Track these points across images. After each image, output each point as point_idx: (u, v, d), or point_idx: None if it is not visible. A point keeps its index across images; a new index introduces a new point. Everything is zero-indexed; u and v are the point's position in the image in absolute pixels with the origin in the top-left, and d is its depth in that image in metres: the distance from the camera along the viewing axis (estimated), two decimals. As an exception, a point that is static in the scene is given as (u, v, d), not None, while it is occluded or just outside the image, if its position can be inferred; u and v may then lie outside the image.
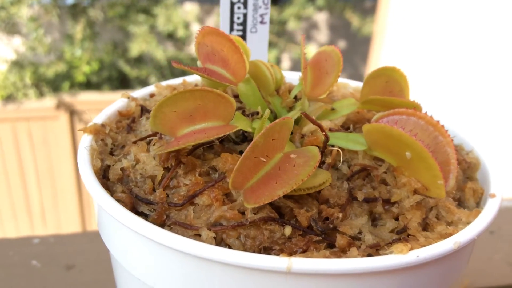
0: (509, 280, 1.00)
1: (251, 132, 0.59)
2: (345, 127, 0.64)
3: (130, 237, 0.53)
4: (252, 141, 0.48)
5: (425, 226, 0.55)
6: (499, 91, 2.85)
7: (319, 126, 0.52)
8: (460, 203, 0.60)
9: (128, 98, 0.70)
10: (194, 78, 0.78)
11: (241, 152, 0.58)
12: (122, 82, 5.24)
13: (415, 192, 0.55)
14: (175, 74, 5.14)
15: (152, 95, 0.73)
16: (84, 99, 4.53)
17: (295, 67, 5.56)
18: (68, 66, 4.46)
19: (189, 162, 0.56)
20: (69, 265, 1.17)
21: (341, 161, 0.56)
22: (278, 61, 5.26)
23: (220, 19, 0.75)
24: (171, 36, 5.23)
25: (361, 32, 5.19)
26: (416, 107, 0.61)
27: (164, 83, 0.76)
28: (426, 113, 0.56)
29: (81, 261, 1.19)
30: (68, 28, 4.61)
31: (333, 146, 0.59)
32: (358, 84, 0.80)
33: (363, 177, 0.57)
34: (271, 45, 5.16)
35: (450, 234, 0.52)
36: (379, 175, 0.56)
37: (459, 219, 0.55)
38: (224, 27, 0.75)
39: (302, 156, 0.51)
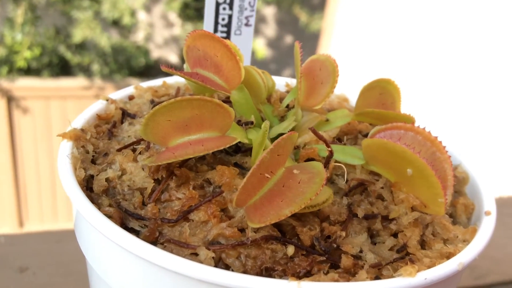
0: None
1: (245, 143, 0.56)
2: (337, 139, 0.62)
3: (117, 253, 0.49)
4: (260, 157, 0.45)
5: (422, 243, 0.54)
6: (448, 88, 2.93)
7: (325, 142, 0.51)
8: (452, 218, 0.60)
9: (107, 100, 0.66)
10: (174, 80, 0.74)
11: (236, 164, 0.56)
12: (63, 69, 5.07)
13: (413, 208, 0.54)
14: (119, 62, 5.01)
15: (131, 97, 0.69)
16: (23, 85, 4.35)
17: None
18: (8, 51, 4.26)
19: (183, 174, 0.52)
20: (22, 267, 1.11)
21: (344, 177, 0.54)
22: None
23: (204, 19, 0.71)
24: (116, 23, 5.09)
25: (309, 28, 5.22)
26: (410, 120, 0.60)
27: (145, 84, 0.72)
28: (424, 128, 0.55)
29: (35, 263, 1.12)
30: (8, 12, 4.40)
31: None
32: (341, 92, 0.78)
33: (360, 192, 0.56)
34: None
35: (451, 253, 0.51)
36: (376, 190, 0.55)
37: (455, 236, 0.55)
38: (208, 28, 0.72)
39: (306, 171, 0.49)
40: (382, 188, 0.55)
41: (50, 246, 1.18)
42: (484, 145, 2.70)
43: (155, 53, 5.39)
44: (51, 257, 1.15)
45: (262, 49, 5.16)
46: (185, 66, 0.62)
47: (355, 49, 3.98)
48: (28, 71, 4.74)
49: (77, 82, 4.59)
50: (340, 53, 4.11)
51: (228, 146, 0.51)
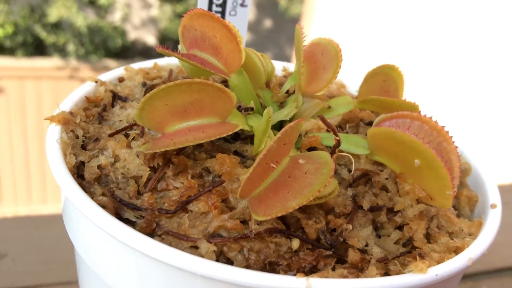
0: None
1: (244, 130, 0.53)
2: (338, 126, 0.60)
3: (109, 244, 0.46)
4: (268, 147, 0.43)
5: (427, 236, 0.52)
6: (437, 73, 2.92)
7: (334, 131, 0.48)
8: (455, 210, 0.58)
9: (96, 82, 0.62)
10: (165, 62, 0.71)
11: (235, 152, 0.53)
12: (38, 48, 4.96)
13: (418, 200, 0.52)
14: (95, 42, 4.92)
15: (121, 79, 0.65)
16: (-4, 64, 4.25)
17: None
18: (-20, 29, 4.15)
19: (180, 163, 0.50)
20: (0, 253, 1.07)
21: (350, 167, 0.52)
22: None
23: (198, -2, 0.68)
24: (92, 3, 4.99)
25: (289, 12, 5.19)
26: (415, 108, 0.58)
27: (135, 65, 0.68)
28: (431, 117, 0.53)
29: (14, 249, 1.08)
30: (-20, -12, 4.28)
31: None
32: (338, 78, 0.76)
33: (363, 183, 0.53)
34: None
35: (458, 248, 0.50)
36: (380, 181, 0.53)
37: (460, 229, 0.53)
38: (202, 7, 0.69)
39: (312, 162, 0.47)
40: (386, 179, 0.53)
41: (29, 232, 1.14)
42: (481, 132, 2.71)
43: (132, 34, 5.30)
44: (31, 243, 1.11)
45: (242, 36, 5.11)
46: (179, 47, 0.59)
47: (336, 34, 3.95)
48: (2, 50, 4.63)
49: (52, 62, 4.50)
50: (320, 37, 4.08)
51: (230, 133, 0.48)
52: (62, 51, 4.90)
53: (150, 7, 5.27)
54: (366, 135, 0.59)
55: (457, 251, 0.49)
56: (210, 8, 0.69)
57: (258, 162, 0.42)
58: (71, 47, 4.85)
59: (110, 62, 4.69)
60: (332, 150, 0.49)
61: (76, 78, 4.46)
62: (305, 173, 0.45)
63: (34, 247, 1.10)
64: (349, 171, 0.54)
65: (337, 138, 0.48)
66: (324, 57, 0.59)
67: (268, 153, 0.43)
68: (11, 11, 4.44)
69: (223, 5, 0.69)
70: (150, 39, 5.36)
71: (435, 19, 2.93)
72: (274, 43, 5.39)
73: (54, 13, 4.67)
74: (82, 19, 4.82)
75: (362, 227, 0.50)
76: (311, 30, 4.30)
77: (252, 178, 0.43)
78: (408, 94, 0.64)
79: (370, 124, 0.61)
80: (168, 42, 5.24)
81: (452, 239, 0.52)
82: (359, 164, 0.53)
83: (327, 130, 0.56)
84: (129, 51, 5.29)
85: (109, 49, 5.00)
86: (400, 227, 0.52)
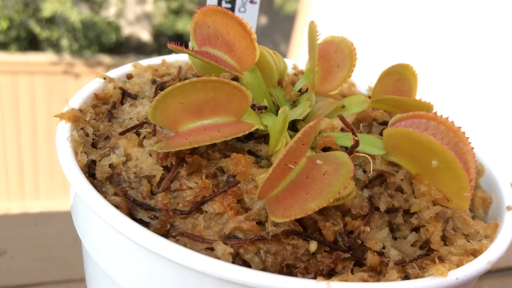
0: None
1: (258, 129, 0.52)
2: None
3: (120, 243, 0.45)
4: (287, 147, 0.42)
5: (443, 238, 0.52)
6: (433, 69, 2.92)
7: (353, 131, 0.47)
8: (469, 211, 0.57)
9: (105, 78, 0.61)
10: (173, 59, 0.69)
11: (249, 152, 0.52)
12: (32, 43, 4.92)
13: (434, 202, 0.51)
14: (88, 37, 4.89)
15: (129, 76, 0.64)
16: (-11, 58, 4.22)
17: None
18: (-26, 24, 4.12)
19: (195, 162, 0.49)
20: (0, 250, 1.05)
21: (366, 168, 0.51)
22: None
23: (207, -6, 0.67)
24: (87, -2, 4.96)
25: (284, 9, 5.17)
26: (429, 108, 0.57)
27: (144, 62, 0.67)
28: (447, 118, 0.52)
29: (13, 246, 1.07)
30: (-26, -18, 4.24)
31: (347, 148, 0.54)
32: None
33: (379, 184, 0.53)
34: (192, 15, 5.03)
35: (476, 250, 0.49)
36: (396, 182, 0.52)
37: (476, 232, 0.53)
38: (211, 4, 0.67)
39: (330, 162, 0.46)
40: (401, 180, 0.53)
41: (28, 229, 1.13)
42: (492, 130, 2.70)
43: (126, 30, 5.27)
44: (30, 241, 1.10)
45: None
46: (190, 43, 0.58)
47: (331, 32, 3.95)
48: (-6, 45, 4.59)
49: (45, 57, 4.46)
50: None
51: (246, 133, 0.47)
52: (55, 46, 4.87)
53: (144, 2, 5.24)
54: (380, 134, 0.59)
55: (475, 254, 0.48)
56: (219, 4, 0.68)
57: (278, 163, 0.41)
58: (64, 42, 4.82)
59: (104, 57, 4.66)
60: (350, 150, 0.48)
61: (70, 73, 4.43)
62: (324, 174, 0.44)
63: (33, 244, 1.09)
64: (364, 171, 0.53)
65: (356, 138, 0.47)
66: (337, 56, 0.58)
67: (287, 154, 0.42)
68: (5, 5, 4.40)
69: (232, 1, 0.68)
70: (144, 34, 5.33)
71: (436, 15, 2.93)
72: (269, 40, 5.38)
73: (48, 8, 4.64)
74: (76, 14, 4.79)
75: (378, 229, 0.49)
76: (307, 28, 4.29)
77: (270, 179, 0.42)
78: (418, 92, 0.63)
79: (383, 123, 0.60)
80: (163, 38, 5.21)
81: (469, 241, 0.51)
82: (375, 164, 0.52)
83: (342, 130, 0.55)
84: (123, 47, 5.26)
85: (103, 45, 4.97)
86: (416, 229, 0.51)
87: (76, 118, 0.53)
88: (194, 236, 0.44)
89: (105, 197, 0.47)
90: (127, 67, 0.65)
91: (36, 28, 4.75)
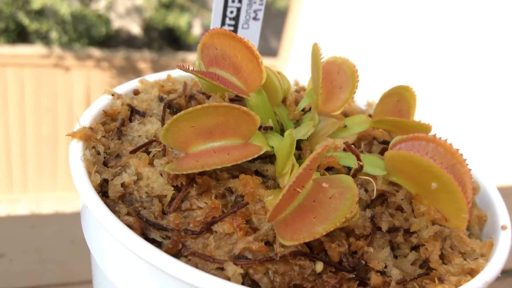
0: None
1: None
2: (352, 145, 0.61)
3: (135, 264, 0.47)
4: (297, 174, 0.44)
5: (441, 256, 0.54)
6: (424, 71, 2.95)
7: (357, 156, 0.49)
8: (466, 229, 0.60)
9: (113, 95, 0.63)
10: (178, 74, 0.71)
11: (256, 172, 0.54)
12: (21, 35, 4.89)
13: (433, 222, 0.54)
14: (78, 30, 4.87)
15: (136, 92, 0.65)
16: (-23, 51, 4.19)
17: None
18: (-38, 15, 4.08)
19: (204, 183, 0.50)
20: (-2, 253, 1.06)
21: (367, 188, 0.53)
22: (189, 27, 5.13)
23: (212, 12, 0.69)
24: (77, -10, 4.93)
25: (275, 5, 5.18)
26: (428, 129, 0.59)
27: (150, 78, 0.68)
28: (445, 140, 0.55)
29: (11, 249, 1.08)
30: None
31: (349, 168, 0.56)
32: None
33: (380, 203, 0.55)
34: (183, 9, 5.02)
35: (473, 270, 0.51)
36: (396, 202, 0.54)
37: (472, 250, 0.55)
38: (216, 21, 0.69)
39: (335, 185, 0.48)
40: (402, 199, 0.55)
41: (26, 231, 1.14)
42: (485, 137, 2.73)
43: (117, 23, 5.25)
44: (28, 243, 1.11)
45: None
46: (196, 63, 0.59)
47: (323, 29, 3.97)
48: (-18, 37, 4.56)
49: (35, 49, 4.43)
50: (307, 32, 4.09)
51: (255, 157, 0.49)
52: (45, 39, 4.84)
53: (135, -4, 5.23)
54: (380, 153, 0.61)
55: (472, 273, 0.51)
56: (223, 21, 0.69)
57: (288, 189, 0.43)
58: (54, 35, 4.80)
59: (93, 50, 4.64)
60: (354, 173, 0.50)
61: (59, 66, 4.41)
62: (330, 198, 0.46)
63: (31, 246, 1.10)
64: (366, 190, 0.55)
65: (361, 163, 0.49)
66: (340, 76, 0.60)
67: (297, 180, 0.44)
68: (-6, -3, 4.37)
69: (236, 18, 0.70)
70: (134, 28, 5.32)
71: (427, 16, 2.96)
72: (260, 36, 5.39)
73: (37, 0, 4.60)
74: (66, 6, 4.76)
75: (380, 248, 0.51)
76: (298, 24, 4.31)
77: (280, 204, 0.44)
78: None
79: (384, 143, 0.62)
80: (153, 32, 5.20)
81: (465, 259, 0.53)
82: (376, 184, 0.55)
83: (344, 150, 0.57)
84: (112, 40, 5.24)
85: (93, 38, 4.95)
86: (415, 247, 0.53)
87: (88, 136, 0.54)
88: (205, 256, 0.46)
89: (119, 217, 0.48)
90: (134, 83, 0.67)
91: (25, 20, 4.71)
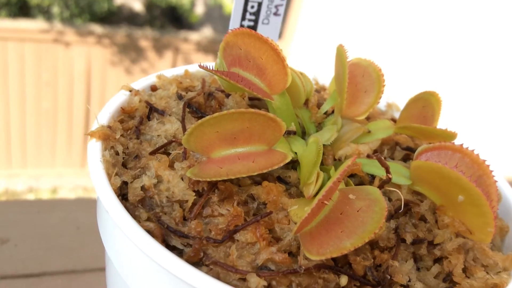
0: None
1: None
2: (376, 151, 0.60)
3: (155, 271, 0.46)
4: (327, 188, 0.42)
5: (463, 269, 0.53)
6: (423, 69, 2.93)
7: (387, 169, 0.48)
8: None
9: (130, 91, 0.61)
10: (195, 69, 0.69)
11: (279, 178, 0.53)
12: (22, 9, 4.83)
13: (457, 234, 0.53)
14: (80, 5, 4.81)
15: (154, 88, 0.64)
16: (-22, 24, 4.15)
17: (209, 14, 5.40)
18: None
19: (227, 189, 0.49)
20: (2, 238, 1.05)
21: (402, 199, 0.52)
22: (192, 5, 5.08)
23: (232, 6, 0.67)
24: (79, -36, 4.87)
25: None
26: (453, 137, 0.58)
27: (168, 73, 0.67)
28: (473, 150, 0.54)
29: (16, 234, 1.07)
30: None
31: (373, 176, 0.55)
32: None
33: (403, 213, 0.54)
34: (184, -14, 4.96)
35: (496, 284, 0.50)
36: (420, 212, 0.53)
37: (495, 263, 0.54)
38: (236, 15, 0.67)
39: (362, 197, 0.46)
40: (426, 210, 0.54)
41: (31, 217, 1.13)
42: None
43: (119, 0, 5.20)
44: (33, 228, 1.10)
45: (230, 4, 5.04)
46: (218, 61, 0.58)
47: (329, 11, 3.91)
48: (-17, 10, 4.51)
49: (36, 24, 4.39)
50: (312, 13, 4.04)
51: (281, 165, 0.47)
52: (46, 13, 4.79)
53: (138, -28, 5.16)
54: (403, 159, 0.60)
55: (495, 288, 0.50)
56: (244, 16, 0.68)
57: (318, 203, 0.42)
58: (55, 9, 4.74)
59: (95, 27, 4.60)
60: (381, 185, 0.49)
61: (60, 41, 4.37)
62: (357, 211, 0.45)
63: (36, 232, 1.09)
64: (389, 199, 0.54)
65: (390, 176, 0.48)
66: (365, 80, 0.59)
67: (327, 195, 0.42)
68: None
69: (256, 13, 0.68)
70: (136, 5, 5.26)
71: (426, 15, 2.93)
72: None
73: (40, -26, 4.55)
74: (68, -19, 4.70)
75: (404, 261, 0.50)
76: (303, 5, 4.25)
77: (308, 218, 0.43)
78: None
79: (407, 149, 0.61)
80: (156, 9, 5.14)
81: (488, 273, 0.52)
82: (401, 194, 0.53)
83: (368, 156, 0.56)
84: (114, 17, 5.19)
85: (95, 13, 4.90)
86: (438, 259, 0.52)
87: (107, 136, 0.53)
88: (228, 266, 0.45)
89: (139, 222, 0.47)
90: (151, 78, 0.65)
91: (27, -6, 4.66)
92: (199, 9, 5.32)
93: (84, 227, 1.14)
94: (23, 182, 4.45)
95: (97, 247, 1.08)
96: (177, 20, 5.22)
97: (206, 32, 5.00)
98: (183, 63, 4.68)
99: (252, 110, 0.47)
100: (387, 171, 0.48)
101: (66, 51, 4.36)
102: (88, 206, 1.23)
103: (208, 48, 4.67)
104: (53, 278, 1.01)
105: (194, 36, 4.63)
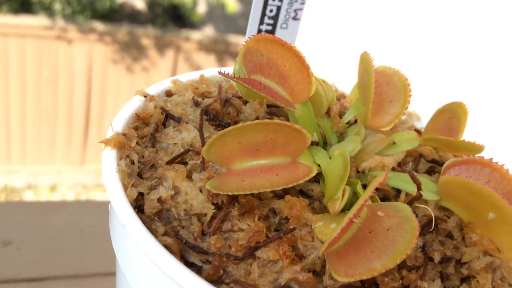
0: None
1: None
2: (399, 164, 0.58)
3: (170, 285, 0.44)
4: (358, 207, 0.40)
5: (491, 288, 0.51)
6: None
7: (418, 185, 0.46)
8: None
9: (145, 96, 0.59)
10: (211, 73, 0.67)
11: (301, 191, 0.50)
12: (23, 5, 4.81)
13: (485, 252, 0.51)
14: (82, 2, 4.79)
15: (169, 93, 0.61)
16: (-20, 20, 4.12)
17: (211, 13, 5.38)
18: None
19: (248, 203, 0.47)
20: (5, 240, 1.03)
21: (432, 216, 0.50)
22: (194, 4, 5.06)
23: (251, 10, 0.64)
24: (82, -39, 4.85)
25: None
26: (480, 149, 0.56)
27: (183, 77, 0.64)
28: (502, 165, 0.51)
29: (19, 236, 1.05)
30: None
31: (399, 191, 0.53)
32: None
33: (429, 229, 0.51)
34: (186, -16, 4.93)
35: (526, 307, 0.48)
36: (447, 229, 0.51)
37: (523, 283, 0.52)
38: (254, 19, 0.65)
39: (392, 215, 0.44)
40: (453, 226, 0.52)
41: (34, 219, 1.10)
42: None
43: (121, -3, 5.18)
44: (36, 231, 1.08)
45: (232, 4, 5.02)
46: (237, 67, 0.55)
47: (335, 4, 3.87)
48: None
49: (38, 20, 4.37)
50: (319, 4, 3.99)
51: (306, 180, 0.45)
52: (48, 10, 4.77)
53: (141, -30, 5.14)
54: (427, 172, 0.57)
55: (526, 310, 0.48)
56: (262, 20, 0.65)
57: (347, 223, 0.40)
58: (57, 6, 4.73)
59: (97, 24, 4.57)
60: (411, 201, 0.47)
61: (62, 38, 4.35)
62: (387, 230, 0.43)
63: (39, 235, 1.07)
64: (415, 215, 0.52)
65: (421, 192, 0.45)
66: (390, 89, 0.56)
67: (357, 213, 0.40)
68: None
69: (275, 17, 0.66)
70: (138, 3, 5.24)
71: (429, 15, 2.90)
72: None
73: (42, -29, 4.53)
74: (71, -22, 4.68)
75: (431, 280, 0.48)
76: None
77: (337, 237, 0.41)
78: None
79: (432, 161, 0.59)
80: (158, 7, 5.12)
81: (516, 293, 0.50)
82: (430, 210, 0.51)
83: (393, 169, 0.54)
84: (116, 14, 5.17)
85: (96, 11, 4.88)
86: (465, 278, 0.50)
87: (122, 144, 0.51)
88: (249, 285, 0.43)
89: (156, 236, 0.45)
90: (166, 83, 0.63)
91: (29, -10, 4.64)
92: (201, 8, 5.30)
93: (88, 230, 1.11)
94: (22, 179, 4.43)
95: (102, 251, 1.06)
96: (179, 18, 5.20)
97: (208, 32, 4.98)
98: (184, 62, 4.66)
99: (277, 121, 0.45)
100: (419, 188, 0.46)
101: (67, 48, 4.34)
102: (92, 208, 1.21)
103: (209, 47, 4.65)
104: (56, 283, 0.99)
105: (195, 35, 4.61)
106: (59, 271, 1.01)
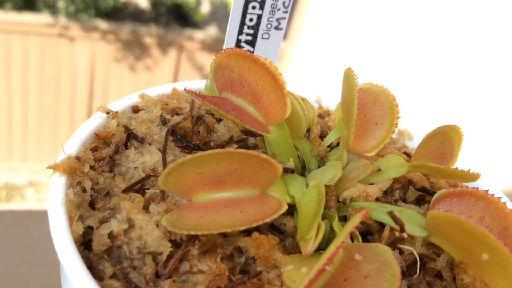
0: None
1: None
2: (385, 192, 0.52)
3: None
4: (330, 254, 0.35)
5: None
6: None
7: (401, 226, 0.40)
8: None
9: (107, 113, 0.53)
10: (185, 87, 0.61)
11: (272, 226, 0.45)
12: (27, 3, 4.78)
13: (477, 295, 0.45)
14: (85, 1, 4.75)
15: (135, 109, 0.56)
16: (-18, 16, 4.10)
17: (214, 13, 5.32)
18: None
19: (209, 241, 0.41)
20: (-22, 255, 0.98)
21: (416, 255, 0.44)
22: (198, 4, 5.01)
23: (229, 18, 0.59)
24: (86, -41, 4.81)
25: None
26: (474, 178, 0.50)
27: (152, 92, 0.59)
28: (499, 198, 0.46)
29: (-3, 247, 1.00)
30: None
31: (383, 225, 0.47)
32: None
33: (415, 270, 0.46)
34: (190, -17, 4.88)
35: None
36: (435, 268, 0.46)
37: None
38: (232, 29, 0.59)
39: (370, 259, 0.39)
40: (443, 266, 0.46)
41: (13, 230, 1.05)
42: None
43: (124, -4, 5.13)
44: (14, 243, 1.03)
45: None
46: (208, 83, 0.50)
47: (336, 11, 3.83)
48: (-11, 3, 4.46)
49: (41, 18, 4.33)
50: (319, 13, 3.95)
51: (274, 218, 0.40)
52: (51, 7, 4.73)
53: (145, -32, 5.10)
54: (416, 200, 0.52)
55: None
56: (241, 30, 0.60)
57: (318, 272, 0.34)
58: (61, 4, 4.69)
59: (100, 22, 4.53)
60: (393, 242, 0.41)
61: (65, 36, 4.32)
62: (364, 277, 0.37)
63: (18, 247, 1.02)
64: (400, 252, 0.46)
65: (404, 235, 0.40)
66: (376, 109, 0.51)
67: (328, 261, 0.35)
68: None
69: (255, 27, 0.60)
70: (142, 2, 5.19)
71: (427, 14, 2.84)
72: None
73: (45, -32, 4.49)
74: (74, -24, 4.65)
75: (416, 330, 0.42)
76: (310, 4, 4.16)
77: (307, 286, 0.35)
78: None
79: (421, 190, 0.53)
80: (161, 7, 5.07)
81: None
82: (414, 246, 0.46)
83: (377, 199, 0.48)
84: (120, 13, 5.13)
85: (100, 9, 4.84)
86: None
87: (72, 170, 0.45)
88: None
89: (102, 279, 0.39)
90: (134, 98, 0.57)
91: (33, -13, 4.61)
92: (205, 8, 5.24)
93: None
94: (23, 176, 4.40)
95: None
96: (182, 18, 5.14)
97: (211, 31, 4.92)
98: (187, 61, 4.62)
99: (242, 150, 0.39)
100: (402, 229, 0.40)
101: (70, 46, 4.30)
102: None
103: (212, 47, 4.60)
104: (32, 299, 0.94)
105: (199, 34, 4.56)
106: (38, 285, 0.97)
